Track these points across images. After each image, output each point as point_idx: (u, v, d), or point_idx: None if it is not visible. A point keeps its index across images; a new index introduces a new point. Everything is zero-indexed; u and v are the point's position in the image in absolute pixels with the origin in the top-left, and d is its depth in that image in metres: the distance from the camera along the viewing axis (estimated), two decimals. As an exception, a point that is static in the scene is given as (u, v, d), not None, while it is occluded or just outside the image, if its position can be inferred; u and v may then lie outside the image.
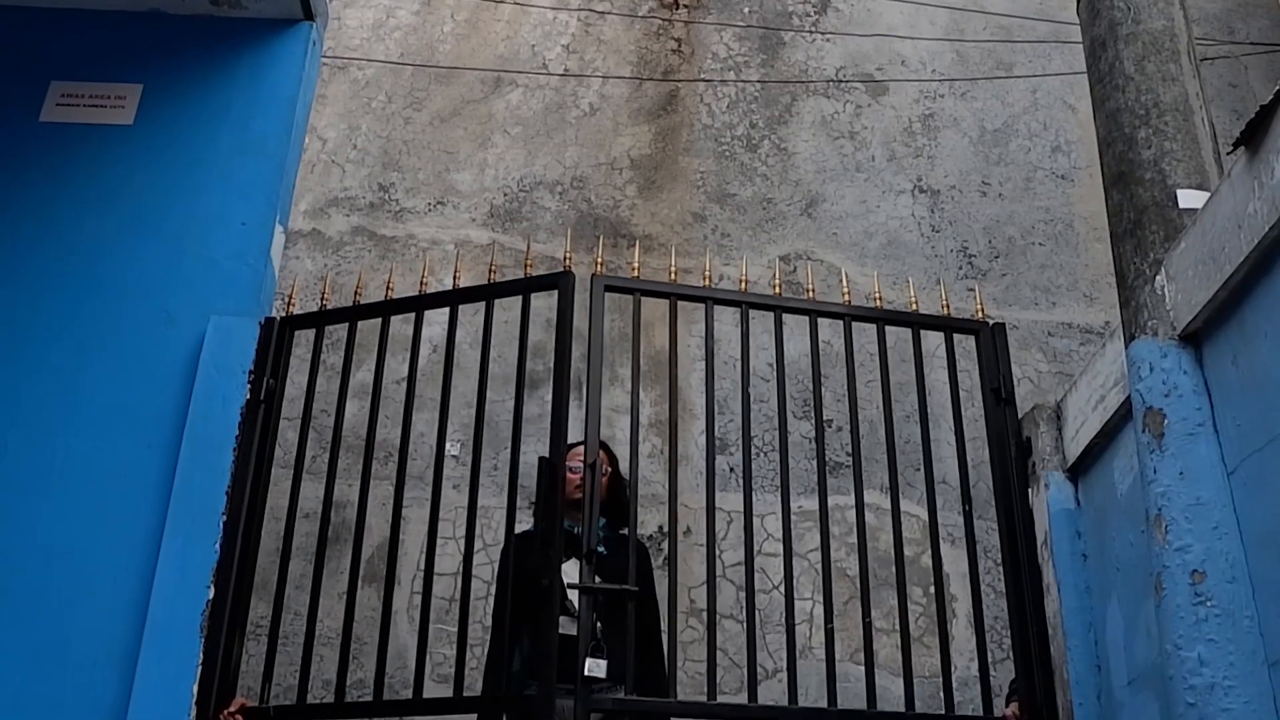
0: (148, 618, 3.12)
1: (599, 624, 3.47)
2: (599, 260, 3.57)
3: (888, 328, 3.70)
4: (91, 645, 3.11)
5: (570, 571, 3.46)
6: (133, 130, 3.81)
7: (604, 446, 3.84)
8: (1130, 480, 3.06)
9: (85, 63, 3.91)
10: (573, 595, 3.41)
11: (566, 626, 3.40)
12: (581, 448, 3.72)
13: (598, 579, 3.41)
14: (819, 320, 3.63)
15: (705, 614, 3.34)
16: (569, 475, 3.69)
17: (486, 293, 3.57)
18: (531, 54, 6.33)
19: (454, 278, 3.61)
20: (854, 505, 3.47)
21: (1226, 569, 2.47)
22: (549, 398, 5.18)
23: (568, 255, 3.60)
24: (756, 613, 3.98)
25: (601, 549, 3.50)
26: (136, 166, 3.75)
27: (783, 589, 3.32)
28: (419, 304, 3.64)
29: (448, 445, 4.83)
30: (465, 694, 3.31)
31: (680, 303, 3.56)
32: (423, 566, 4.64)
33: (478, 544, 4.08)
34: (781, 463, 3.44)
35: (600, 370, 3.41)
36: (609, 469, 3.87)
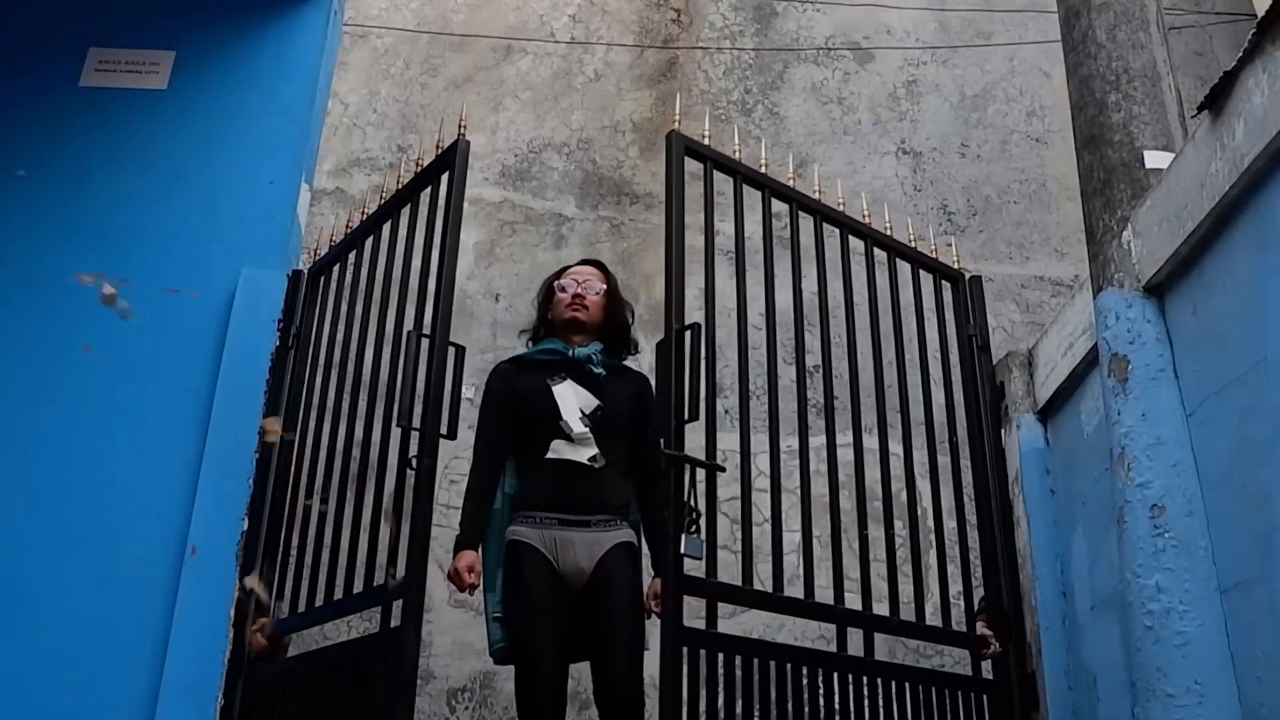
0: (186, 548, 3.14)
1: (601, 454, 3.11)
2: (678, 119, 3.29)
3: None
4: (137, 575, 3.13)
5: (565, 394, 3.18)
6: (166, 94, 3.78)
7: (597, 264, 3.50)
8: (1096, 421, 3.06)
9: (122, 30, 3.87)
10: (570, 418, 3.13)
11: (560, 450, 3.12)
12: (578, 267, 3.45)
13: (598, 404, 3.15)
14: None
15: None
16: (559, 295, 3.36)
17: (413, 188, 3.36)
18: (540, 23, 6.26)
19: (398, 182, 3.48)
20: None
21: (1184, 503, 2.48)
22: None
23: (462, 124, 3.25)
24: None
25: (601, 371, 3.22)
26: (170, 129, 3.72)
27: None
28: (375, 219, 3.49)
29: (464, 389, 4.86)
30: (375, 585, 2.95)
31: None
32: (440, 500, 4.68)
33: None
34: (825, 384, 3.31)
35: (681, 233, 3.06)
36: (604, 286, 3.40)
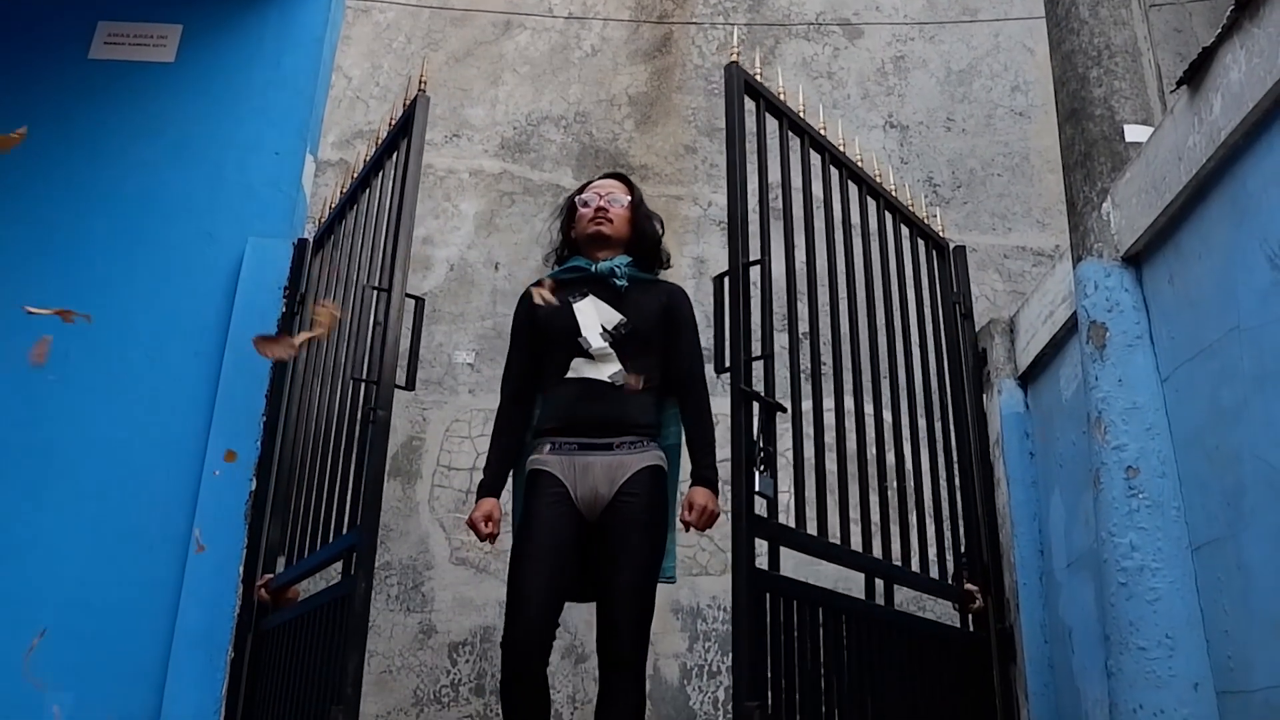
0: (198, 506, 3.16)
1: (624, 370, 2.85)
2: (735, 50, 3.14)
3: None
4: (149, 531, 3.15)
5: (586, 309, 2.92)
6: (174, 67, 3.76)
7: (620, 177, 3.21)
8: (1074, 386, 3.07)
9: (130, 4, 3.84)
10: (590, 333, 2.88)
11: (580, 368, 2.87)
12: (601, 180, 3.18)
13: (621, 319, 2.90)
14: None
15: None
16: (581, 211, 3.09)
17: (387, 150, 3.34)
18: (538, -2, 6.21)
19: (374, 141, 3.43)
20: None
21: (1157, 465, 2.49)
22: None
23: (422, 80, 3.27)
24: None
25: (624, 283, 2.96)
26: (178, 100, 3.71)
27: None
28: (359, 184, 3.47)
29: (463, 354, 4.86)
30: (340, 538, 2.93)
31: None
32: (442, 463, 4.69)
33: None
34: (851, 347, 3.25)
35: (743, 167, 2.92)
36: (629, 198, 3.11)
